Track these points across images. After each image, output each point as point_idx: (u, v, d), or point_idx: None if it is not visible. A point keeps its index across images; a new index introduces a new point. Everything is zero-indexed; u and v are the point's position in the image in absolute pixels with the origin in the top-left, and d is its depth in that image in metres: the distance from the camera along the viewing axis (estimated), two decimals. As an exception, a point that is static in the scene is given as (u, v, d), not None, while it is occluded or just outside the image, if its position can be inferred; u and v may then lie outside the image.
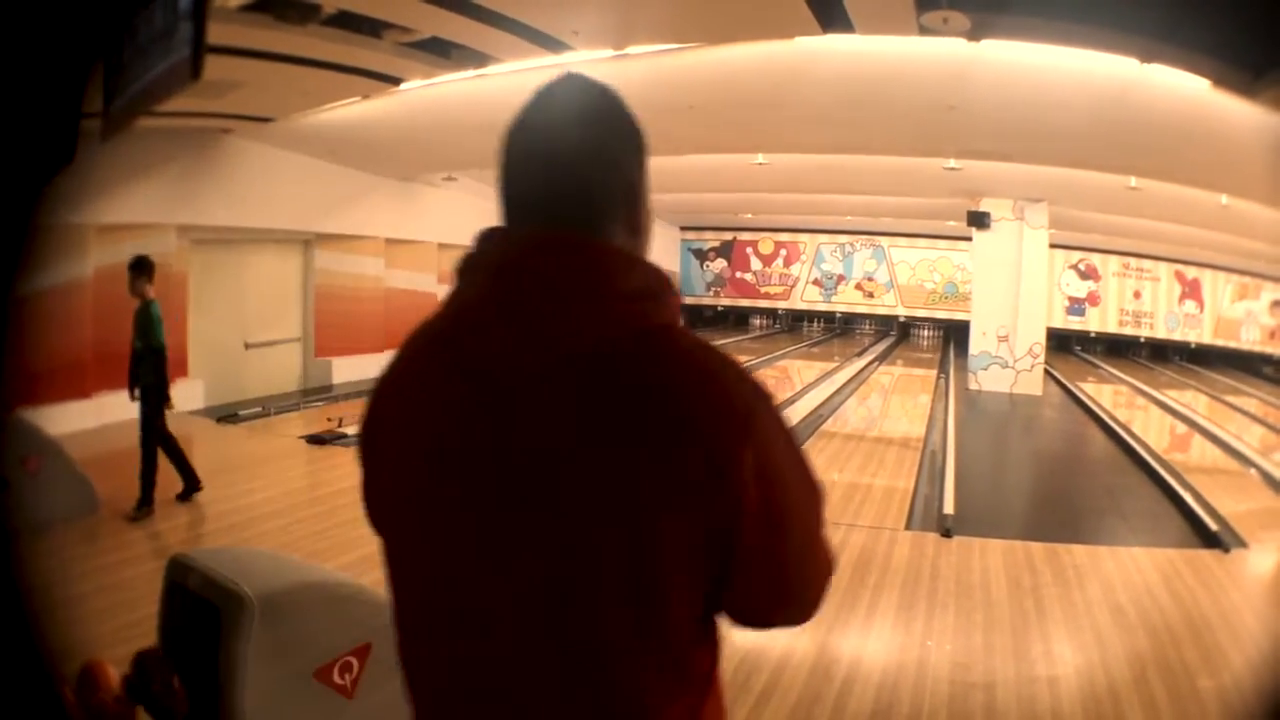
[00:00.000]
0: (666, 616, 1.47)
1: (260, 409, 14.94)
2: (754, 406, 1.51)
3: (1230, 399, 25.36)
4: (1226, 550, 9.33)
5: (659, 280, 1.60)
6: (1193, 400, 24.30)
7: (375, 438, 1.76)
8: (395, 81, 11.91)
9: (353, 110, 13.51)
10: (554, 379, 1.47)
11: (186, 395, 14.69)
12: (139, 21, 6.49)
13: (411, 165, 19.48)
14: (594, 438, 1.45)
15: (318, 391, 17.43)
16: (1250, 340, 33.71)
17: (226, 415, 14.35)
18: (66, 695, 2.41)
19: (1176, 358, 34.50)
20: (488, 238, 1.65)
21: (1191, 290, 33.99)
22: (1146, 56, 9.33)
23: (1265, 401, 25.61)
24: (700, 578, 1.49)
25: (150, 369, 9.07)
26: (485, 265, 1.62)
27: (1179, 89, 10.04)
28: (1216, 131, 11.49)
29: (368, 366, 18.85)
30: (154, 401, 9.09)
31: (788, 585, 1.64)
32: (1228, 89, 9.30)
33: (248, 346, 16.86)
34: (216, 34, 7.96)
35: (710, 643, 1.60)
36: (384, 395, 1.75)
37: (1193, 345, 34.14)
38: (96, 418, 12.28)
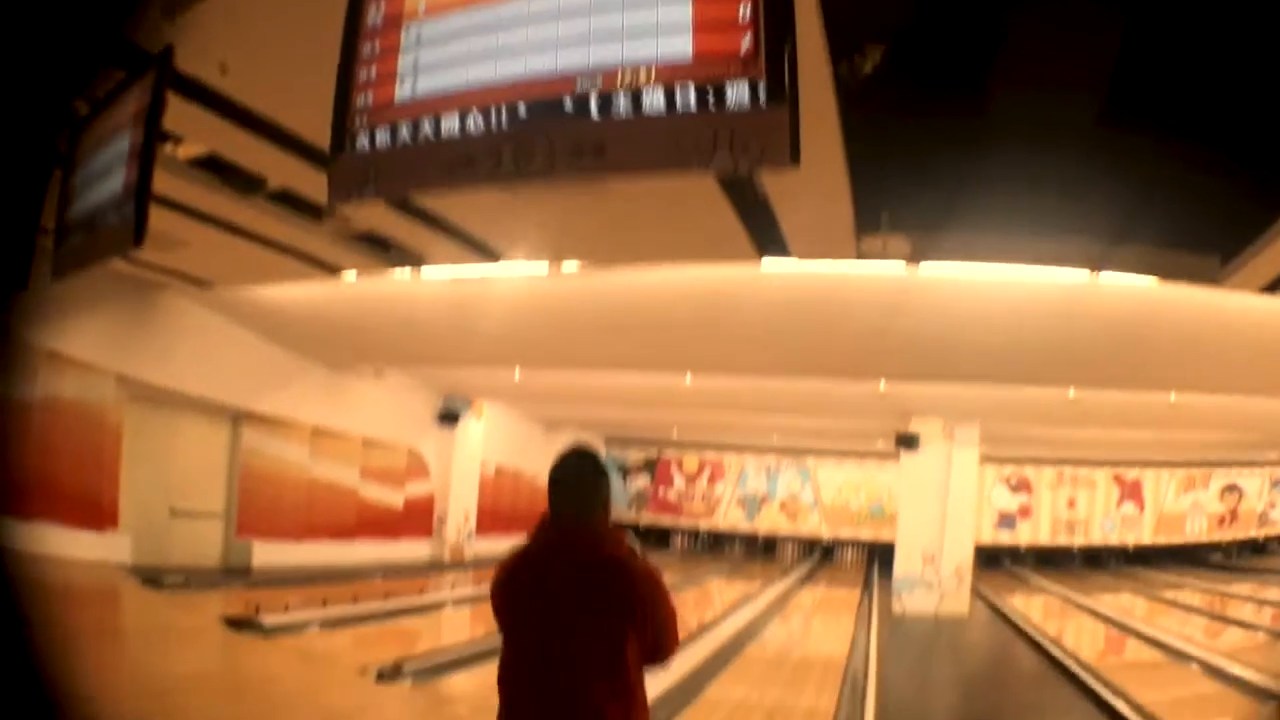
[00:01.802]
0: (620, 667, 3.60)
1: (183, 579, 14.54)
2: (660, 589, 3.75)
3: (1170, 595, 25.36)
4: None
5: (618, 534, 3.84)
6: (1128, 603, 24.26)
7: (500, 594, 3.91)
8: (333, 270, 11.83)
9: (290, 291, 13.41)
10: (575, 575, 3.67)
11: (115, 547, 14.40)
12: (86, 138, 6.56)
13: (342, 354, 19.36)
14: (592, 600, 3.62)
15: (238, 572, 17.00)
16: (1196, 531, 33.80)
17: (151, 578, 13.93)
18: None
19: (1113, 561, 34.51)
20: (547, 520, 3.87)
21: (1131, 492, 34.24)
22: (1097, 265, 9.34)
23: (1209, 591, 25.67)
24: (636, 652, 3.64)
25: None
26: (547, 529, 3.86)
27: (1128, 292, 10.04)
28: (1168, 329, 11.48)
29: (287, 554, 18.46)
30: None
31: (666, 652, 3.83)
32: (1192, 280, 9.34)
33: (173, 513, 16.47)
34: (165, 185, 7.94)
35: (639, 680, 3.72)
36: (506, 580, 3.90)
37: (1130, 548, 34.12)
38: (36, 543, 11.91)
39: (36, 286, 6.70)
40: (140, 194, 5.76)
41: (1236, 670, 12.59)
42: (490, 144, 4.21)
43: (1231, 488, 34.43)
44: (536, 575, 3.93)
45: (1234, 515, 34.57)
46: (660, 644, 3.90)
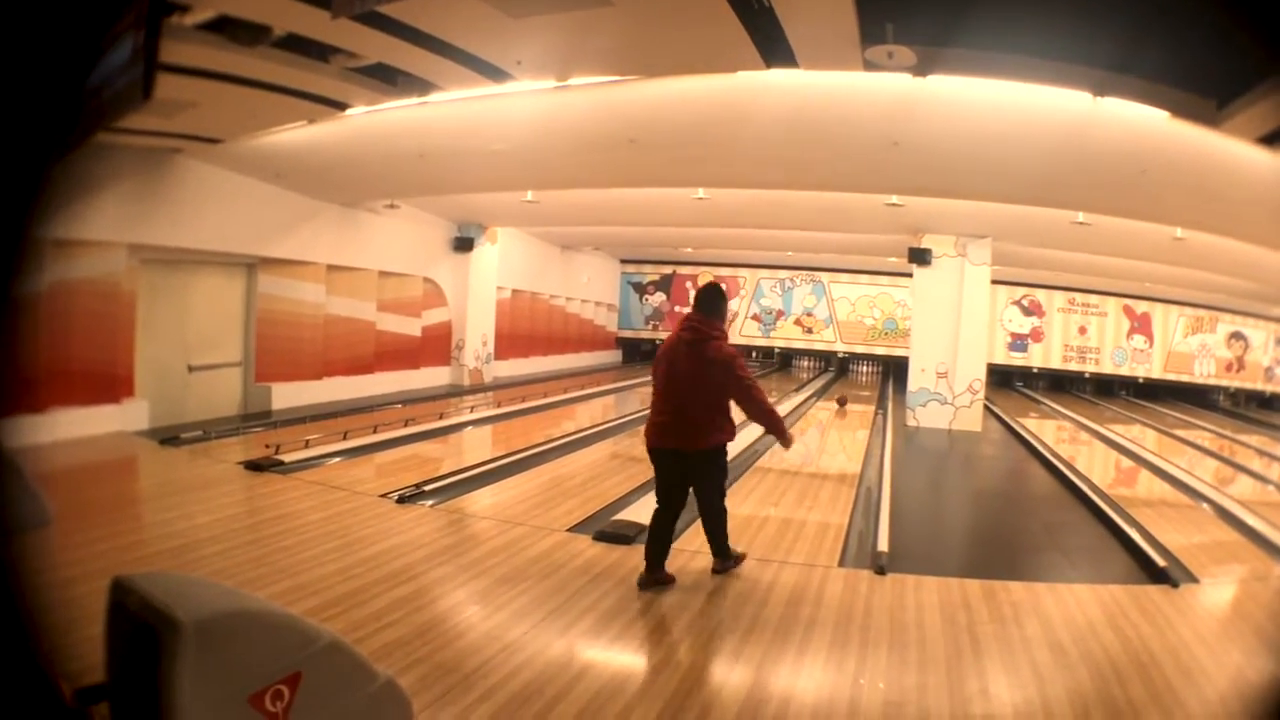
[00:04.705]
0: (721, 401, 8.20)
1: (201, 432, 14.68)
2: (737, 367, 8.12)
3: (1180, 433, 25.44)
4: (1175, 585, 9.07)
5: (722, 329, 8.34)
6: (1140, 435, 24.32)
7: (657, 357, 8.48)
8: (341, 106, 11.83)
9: (299, 134, 13.41)
10: (690, 351, 8.10)
11: (132, 416, 14.74)
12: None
13: (354, 191, 19.35)
14: (702, 366, 8.06)
15: (257, 417, 17.18)
16: (1205, 374, 34.07)
17: (169, 438, 14.11)
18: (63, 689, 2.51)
19: (1123, 392, 34.79)
20: (689, 317, 8.31)
21: (1141, 325, 34.36)
22: (1100, 90, 9.32)
23: (1219, 435, 25.76)
24: (723, 396, 8.21)
25: None
26: (685, 321, 8.32)
27: (1134, 122, 10.02)
28: (1173, 164, 11.47)
29: (307, 393, 18.63)
30: None
31: (750, 402, 8.19)
32: (1190, 119, 9.34)
33: (191, 369, 16.63)
34: (172, 53, 7.95)
35: (728, 411, 8.28)
36: (661, 350, 8.42)
37: (1141, 380, 34.36)
38: (49, 433, 12.15)
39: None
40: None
41: (1251, 521, 12.57)
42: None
43: (1238, 335, 34.69)
44: (674, 349, 8.17)
45: (1241, 363, 34.89)
46: (741, 398, 8.12)
